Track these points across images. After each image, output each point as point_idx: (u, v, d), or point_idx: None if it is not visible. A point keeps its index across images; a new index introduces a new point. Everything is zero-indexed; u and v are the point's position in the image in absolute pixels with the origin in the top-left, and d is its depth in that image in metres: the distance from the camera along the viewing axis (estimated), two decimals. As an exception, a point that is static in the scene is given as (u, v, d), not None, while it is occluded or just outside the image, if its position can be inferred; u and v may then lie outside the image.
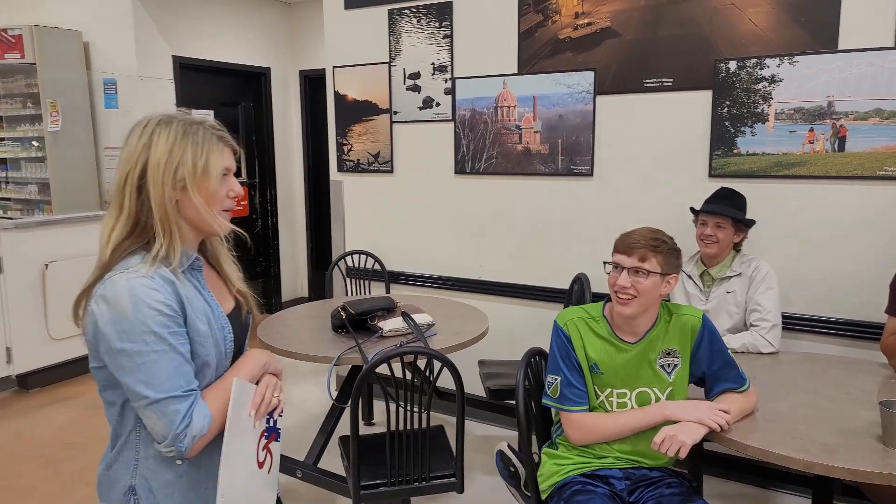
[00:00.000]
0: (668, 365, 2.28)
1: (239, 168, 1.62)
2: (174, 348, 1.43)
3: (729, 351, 2.33)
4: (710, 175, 3.54)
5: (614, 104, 3.78)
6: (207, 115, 1.67)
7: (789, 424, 2.18)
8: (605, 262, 2.31)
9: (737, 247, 3.20)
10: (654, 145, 3.69)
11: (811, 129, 3.29)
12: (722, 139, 3.49)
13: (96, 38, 6.12)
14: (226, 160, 1.56)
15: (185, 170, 1.48)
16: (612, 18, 3.71)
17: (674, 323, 2.30)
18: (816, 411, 2.29)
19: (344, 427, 3.34)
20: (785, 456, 1.99)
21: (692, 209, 3.27)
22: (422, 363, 2.63)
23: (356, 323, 3.19)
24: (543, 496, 2.37)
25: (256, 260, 7.28)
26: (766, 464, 3.03)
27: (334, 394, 3.56)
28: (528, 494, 2.51)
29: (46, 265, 5.06)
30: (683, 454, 2.06)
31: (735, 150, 3.46)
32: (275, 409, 1.65)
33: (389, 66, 4.51)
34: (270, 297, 7.48)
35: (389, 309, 3.27)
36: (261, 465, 1.63)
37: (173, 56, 6.21)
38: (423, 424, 2.58)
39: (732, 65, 3.41)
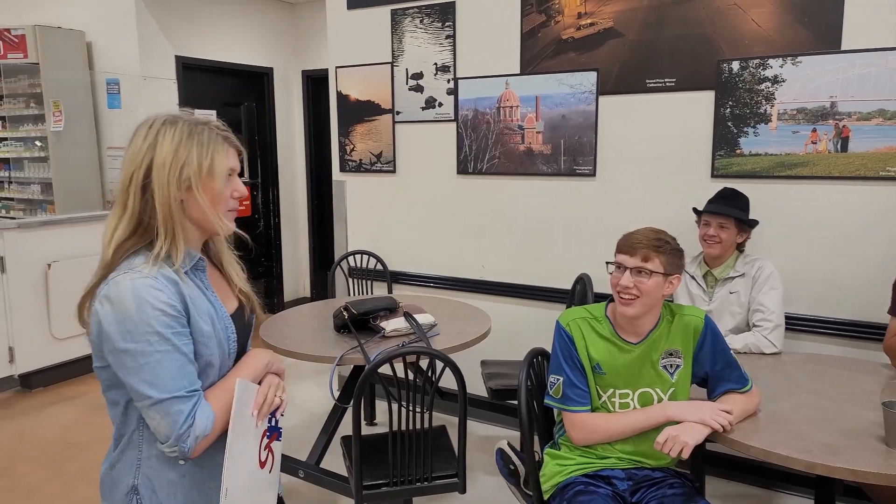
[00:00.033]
0: (671, 365, 2.28)
1: (241, 168, 1.62)
2: (178, 349, 1.43)
3: (731, 351, 2.33)
4: (713, 175, 3.54)
5: (617, 104, 3.78)
6: (210, 116, 1.67)
7: (791, 425, 2.18)
8: (607, 262, 2.31)
9: (740, 247, 3.19)
10: (657, 146, 3.69)
11: (814, 130, 3.28)
12: (725, 139, 3.49)
13: (99, 38, 6.13)
14: (231, 160, 1.57)
15: (190, 170, 1.48)
16: (614, 19, 3.71)
17: (676, 323, 2.30)
18: (818, 412, 2.29)
19: (346, 427, 3.34)
20: (787, 456, 1.99)
21: (695, 210, 3.27)
22: (424, 363, 2.62)
23: (358, 323, 3.19)
24: (546, 496, 2.37)
25: (259, 260, 7.29)
26: (769, 464, 3.03)
27: (336, 394, 3.56)
28: (528, 493, 2.52)
29: (49, 265, 5.07)
30: (686, 454, 2.06)
31: (738, 151, 3.46)
32: (277, 408, 1.65)
33: (392, 67, 4.51)
34: (273, 297, 7.49)
35: (392, 309, 3.27)
36: (262, 464, 1.63)
37: (176, 56, 6.22)
38: (426, 424, 2.58)
39: (735, 65, 3.41)
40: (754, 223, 3.16)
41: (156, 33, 6.03)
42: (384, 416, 4.47)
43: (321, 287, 7.62)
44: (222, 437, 1.50)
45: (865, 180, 3.21)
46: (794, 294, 3.38)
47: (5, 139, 6.38)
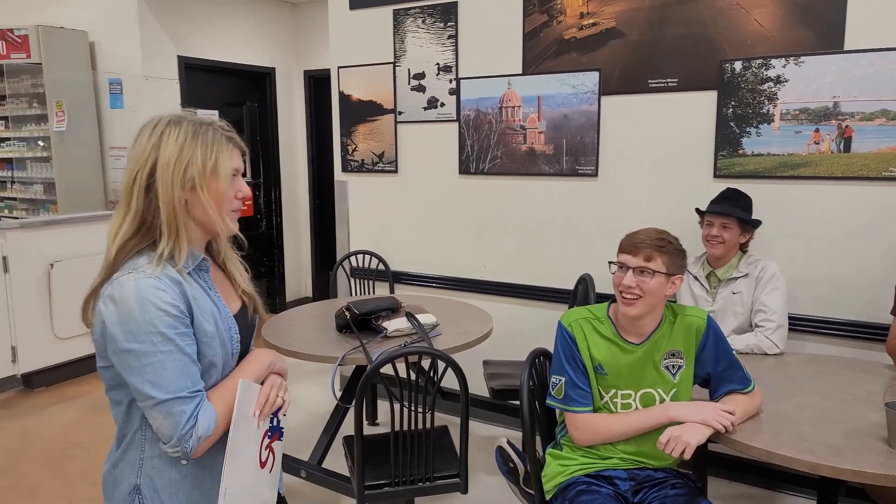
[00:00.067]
0: (673, 366, 2.28)
1: (244, 168, 1.62)
2: (181, 349, 1.43)
3: (734, 352, 2.33)
4: (716, 176, 3.54)
5: (619, 104, 3.78)
6: (212, 116, 1.67)
7: (794, 426, 2.18)
8: (610, 262, 2.30)
9: (743, 248, 3.19)
10: (659, 146, 3.69)
11: (817, 130, 3.28)
12: (727, 140, 3.48)
13: (102, 38, 6.14)
14: (235, 161, 1.57)
15: (194, 169, 1.48)
16: (617, 19, 3.71)
17: (678, 324, 2.29)
18: (821, 413, 2.29)
19: (348, 427, 3.34)
20: (790, 457, 1.98)
21: (697, 210, 3.27)
22: (426, 363, 2.62)
23: (360, 323, 3.19)
24: (548, 496, 2.37)
25: (261, 260, 7.29)
26: (771, 465, 3.02)
27: (338, 394, 3.56)
28: (528, 491, 2.52)
29: (52, 265, 5.07)
30: (688, 455, 2.06)
31: (740, 151, 3.46)
32: (279, 409, 1.65)
33: (394, 67, 4.51)
34: (274, 297, 7.49)
35: (394, 309, 3.27)
36: (263, 464, 1.63)
37: (178, 56, 6.23)
38: (427, 425, 2.58)
39: (738, 65, 3.41)
40: (757, 223, 3.16)
41: (158, 33, 6.04)
42: (386, 417, 4.47)
43: (323, 287, 7.61)
44: (225, 437, 1.50)
45: (868, 181, 3.21)
46: (796, 294, 3.37)
47: (8, 139, 6.39)
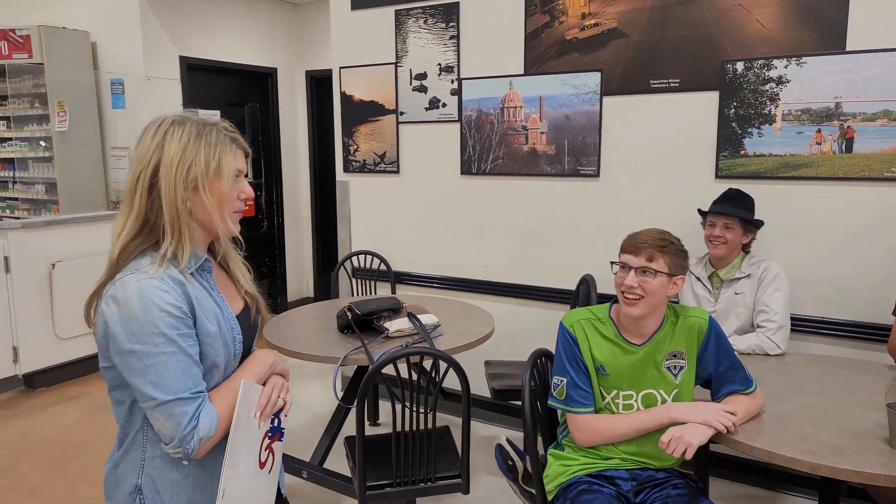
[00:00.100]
0: (675, 367, 2.28)
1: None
2: (183, 350, 1.43)
3: (735, 352, 2.33)
4: (717, 176, 3.54)
5: (621, 105, 3.78)
6: (214, 116, 1.67)
7: (795, 426, 2.18)
8: (612, 262, 2.30)
9: (746, 248, 3.19)
10: (661, 146, 3.69)
11: (818, 131, 3.28)
12: (729, 140, 3.48)
13: (104, 39, 6.14)
14: (238, 162, 1.57)
15: (197, 170, 1.48)
16: (618, 19, 3.71)
17: (680, 324, 2.29)
18: (823, 413, 2.29)
19: (350, 427, 3.34)
20: (791, 458, 1.98)
21: (700, 211, 3.27)
22: (427, 364, 2.62)
23: (362, 323, 3.19)
24: (550, 497, 2.37)
25: (262, 260, 7.29)
26: (773, 465, 3.02)
27: (340, 394, 3.56)
28: (526, 488, 2.52)
29: (53, 265, 5.08)
30: (689, 455, 2.06)
31: (742, 152, 3.46)
32: (280, 410, 1.65)
33: (396, 67, 4.51)
34: (276, 298, 7.49)
35: (395, 309, 3.27)
36: (262, 464, 1.63)
37: (180, 56, 6.23)
38: (429, 425, 2.58)
39: (740, 66, 3.41)
40: (760, 224, 3.16)
41: (160, 34, 6.04)
42: (387, 417, 4.47)
43: (324, 287, 7.61)
44: (226, 438, 1.50)
45: (870, 181, 3.21)
46: (798, 295, 3.37)
47: (10, 139, 6.39)
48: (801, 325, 3.36)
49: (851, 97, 3.19)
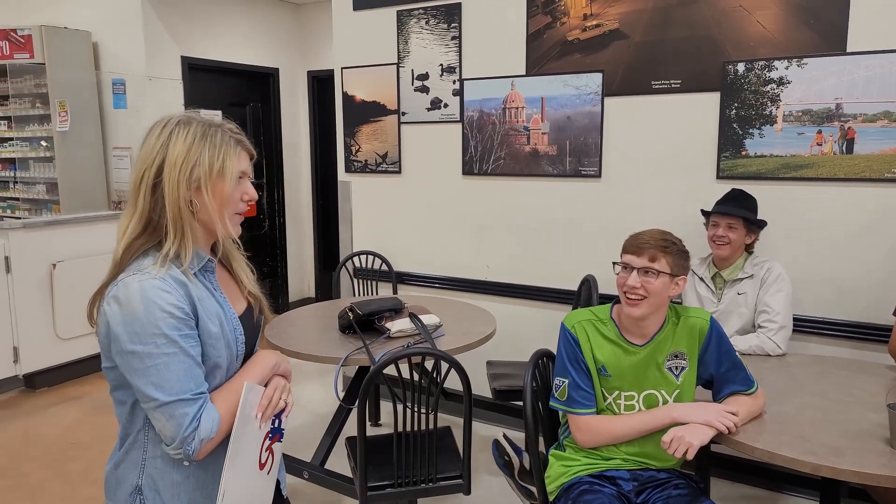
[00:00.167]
0: (676, 367, 2.28)
1: (246, 169, 1.62)
2: (185, 351, 1.43)
3: (737, 353, 2.33)
4: (719, 177, 3.54)
5: (622, 106, 3.78)
6: (215, 116, 1.67)
7: (796, 426, 2.18)
8: (614, 263, 2.31)
9: (749, 248, 3.20)
10: (662, 147, 3.69)
11: (819, 132, 3.28)
12: (730, 141, 3.48)
13: (105, 39, 6.15)
14: (242, 163, 1.57)
15: (200, 170, 1.48)
16: (620, 20, 3.71)
17: (682, 325, 2.29)
18: (823, 413, 2.29)
19: (351, 428, 3.34)
20: (792, 458, 1.99)
21: (703, 211, 3.27)
22: (429, 364, 2.63)
23: (363, 324, 3.19)
24: (551, 497, 2.37)
25: (264, 260, 7.29)
26: (774, 466, 3.02)
27: (341, 394, 3.56)
28: (523, 484, 2.53)
29: (54, 265, 5.08)
30: (691, 455, 2.06)
31: (743, 152, 3.46)
32: (282, 411, 1.65)
33: (398, 67, 4.52)
34: (277, 298, 7.49)
35: (397, 310, 3.27)
36: (262, 465, 1.63)
37: (182, 56, 6.24)
38: (430, 425, 2.58)
39: (741, 67, 3.41)
40: (763, 224, 3.17)
41: (161, 34, 6.05)
42: (389, 417, 4.46)
43: (326, 287, 7.62)
44: (227, 438, 1.50)
45: (871, 182, 3.21)
46: (798, 295, 3.37)
47: (11, 139, 6.40)
48: (802, 326, 3.36)
49: (852, 98, 3.19)
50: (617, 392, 2.29)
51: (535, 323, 4.22)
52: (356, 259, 4.80)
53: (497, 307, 4.28)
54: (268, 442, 1.63)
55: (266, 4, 7.01)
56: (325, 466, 3.28)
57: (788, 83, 3.32)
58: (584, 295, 3.61)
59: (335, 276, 4.73)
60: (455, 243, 4.49)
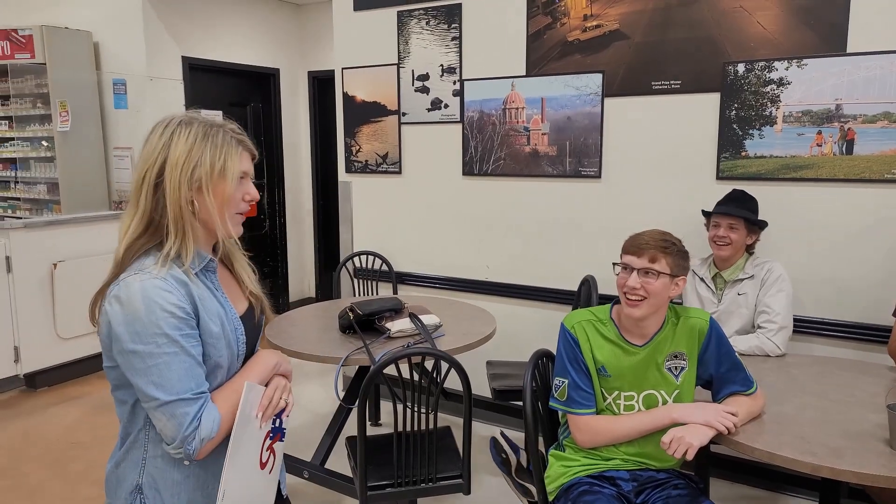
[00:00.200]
0: (676, 367, 2.28)
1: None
2: (186, 351, 1.44)
3: (736, 353, 2.33)
4: (718, 177, 3.54)
5: (622, 106, 3.78)
6: (216, 116, 1.68)
7: (796, 427, 2.18)
8: (614, 263, 2.31)
9: (749, 249, 3.20)
10: (662, 147, 3.69)
11: (819, 132, 3.28)
12: (730, 141, 3.49)
13: (106, 39, 6.15)
14: (244, 164, 1.57)
15: (202, 170, 1.49)
16: (620, 21, 3.71)
17: (681, 325, 2.30)
18: (823, 414, 2.29)
19: (351, 428, 3.34)
20: (792, 458, 1.99)
21: (704, 212, 3.27)
22: (429, 364, 2.63)
23: (364, 324, 3.20)
24: (550, 497, 2.37)
25: (264, 260, 7.30)
26: (773, 466, 3.03)
27: (341, 394, 3.57)
28: (520, 482, 2.53)
29: (55, 265, 5.08)
30: (690, 456, 2.06)
31: (743, 153, 3.46)
32: (282, 410, 1.65)
33: (398, 68, 4.52)
34: (278, 298, 7.50)
35: (397, 310, 3.28)
36: (263, 465, 1.63)
37: (182, 57, 6.24)
38: (430, 425, 2.58)
39: (741, 67, 3.41)
40: (764, 224, 3.17)
41: (162, 34, 6.05)
42: (389, 417, 4.47)
43: (326, 287, 7.62)
44: (228, 438, 1.50)
45: (870, 183, 3.21)
46: (798, 296, 3.37)
47: (12, 139, 6.40)
48: (802, 326, 3.36)
49: (852, 99, 3.19)
50: (616, 392, 2.29)
51: (534, 323, 4.22)
52: (356, 259, 4.81)
53: (497, 307, 4.28)
54: (269, 441, 1.64)
55: (267, 5, 7.01)
56: (326, 466, 3.29)
57: (788, 84, 3.32)
58: (584, 295, 3.62)
59: (335, 276, 4.74)
60: (455, 243, 4.49)
